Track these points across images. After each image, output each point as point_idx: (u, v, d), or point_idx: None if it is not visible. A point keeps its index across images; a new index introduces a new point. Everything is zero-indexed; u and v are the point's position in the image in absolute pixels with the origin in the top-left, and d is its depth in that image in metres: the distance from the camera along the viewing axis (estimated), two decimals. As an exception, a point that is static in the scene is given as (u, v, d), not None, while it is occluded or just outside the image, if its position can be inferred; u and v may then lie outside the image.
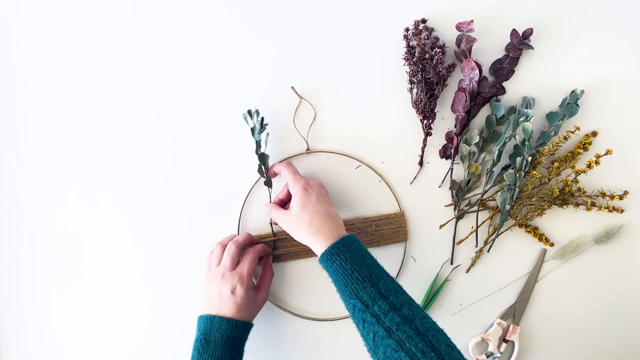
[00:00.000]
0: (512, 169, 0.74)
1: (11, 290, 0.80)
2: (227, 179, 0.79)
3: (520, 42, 0.76)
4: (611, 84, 0.78)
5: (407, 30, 0.76)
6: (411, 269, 0.80)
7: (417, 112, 0.78)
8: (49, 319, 0.80)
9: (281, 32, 0.79)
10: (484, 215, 0.80)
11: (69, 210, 0.80)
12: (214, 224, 0.79)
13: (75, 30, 0.79)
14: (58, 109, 0.79)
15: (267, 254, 0.78)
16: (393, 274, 0.79)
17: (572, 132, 0.75)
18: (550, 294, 0.80)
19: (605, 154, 0.74)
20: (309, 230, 0.67)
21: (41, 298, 0.80)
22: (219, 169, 0.79)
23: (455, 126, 0.77)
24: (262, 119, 0.76)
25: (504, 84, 0.78)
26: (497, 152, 0.74)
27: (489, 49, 0.78)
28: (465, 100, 0.75)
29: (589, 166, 0.75)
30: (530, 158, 0.73)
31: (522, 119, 0.73)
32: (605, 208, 0.77)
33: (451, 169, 0.78)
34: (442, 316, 0.80)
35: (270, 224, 0.78)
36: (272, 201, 0.77)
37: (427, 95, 0.76)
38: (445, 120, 0.79)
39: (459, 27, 0.75)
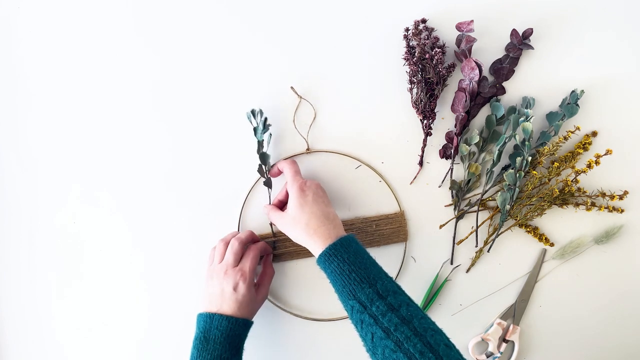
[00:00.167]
0: (512, 169, 0.74)
1: (11, 290, 0.80)
2: (227, 178, 0.79)
3: (520, 42, 0.76)
4: (611, 84, 0.78)
5: (407, 30, 0.76)
6: (411, 269, 0.80)
7: (417, 112, 0.78)
8: (49, 319, 0.81)
9: (281, 32, 0.79)
10: (484, 215, 0.80)
11: (69, 210, 0.80)
12: (214, 224, 0.79)
13: (75, 30, 0.79)
14: (58, 109, 0.79)
15: (267, 253, 0.78)
16: (393, 274, 0.79)
17: (572, 132, 0.75)
18: (550, 294, 0.80)
19: (605, 154, 0.74)
20: (306, 231, 0.67)
21: (41, 298, 0.80)
22: (219, 169, 0.79)
23: (455, 126, 0.77)
24: (266, 119, 0.76)
25: (504, 84, 0.78)
26: (497, 152, 0.74)
27: (489, 49, 0.78)
28: (465, 100, 0.75)
29: (589, 166, 0.75)
30: (530, 158, 0.73)
31: (522, 119, 0.73)
32: (605, 208, 0.77)
33: (451, 169, 0.78)
34: (442, 316, 0.80)
35: (270, 224, 0.78)
36: (271, 202, 0.77)
37: (427, 95, 0.76)
38: (445, 120, 0.79)
39: (459, 27, 0.75)
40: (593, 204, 0.77)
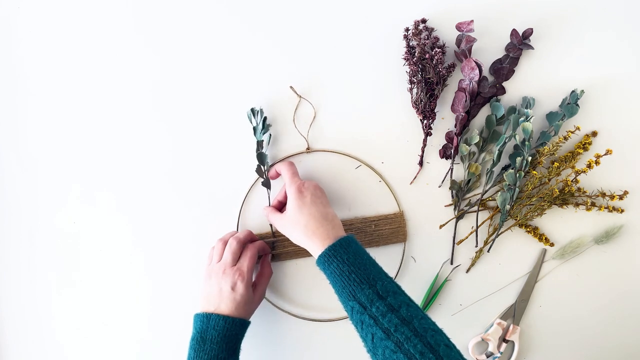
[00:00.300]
0: (512, 169, 0.74)
1: (11, 290, 0.80)
2: (226, 178, 0.79)
3: (520, 42, 0.76)
4: (611, 84, 0.78)
5: (407, 30, 0.76)
6: (411, 269, 0.80)
7: (417, 112, 0.78)
8: (49, 319, 0.81)
9: (281, 32, 0.79)
10: (484, 215, 0.80)
11: (69, 210, 0.80)
12: (214, 224, 0.79)
13: (75, 30, 0.79)
14: (58, 109, 0.79)
15: (266, 253, 0.78)
16: (392, 274, 0.79)
17: (572, 132, 0.75)
18: (550, 294, 0.80)
19: (605, 154, 0.74)
20: (304, 232, 0.66)
21: (41, 298, 0.80)
22: (219, 169, 0.79)
23: (455, 126, 0.77)
24: (265, 118, 0.76)
25: (504, 84, 0.78)
26: (497, 152, 0.74)
27: (489, 49, 0.78)
28: (465, 100, 0.75)
29: (589, 166, 0.75)
30: (530, 158, 0.73)
31: (522, 119, 0.73)
32: (605, 208, 0.77)
33: (451, 169, 0.78)
34: (442, 316, 0.80)
35: (270, 224, 0.78)
36: (270, 203, 0.77)
37: (427, 95, 0.76)
38: (445, 120, 0.79)
39: (459, 27, 0.75)
40: (593, 204, 0.77)
